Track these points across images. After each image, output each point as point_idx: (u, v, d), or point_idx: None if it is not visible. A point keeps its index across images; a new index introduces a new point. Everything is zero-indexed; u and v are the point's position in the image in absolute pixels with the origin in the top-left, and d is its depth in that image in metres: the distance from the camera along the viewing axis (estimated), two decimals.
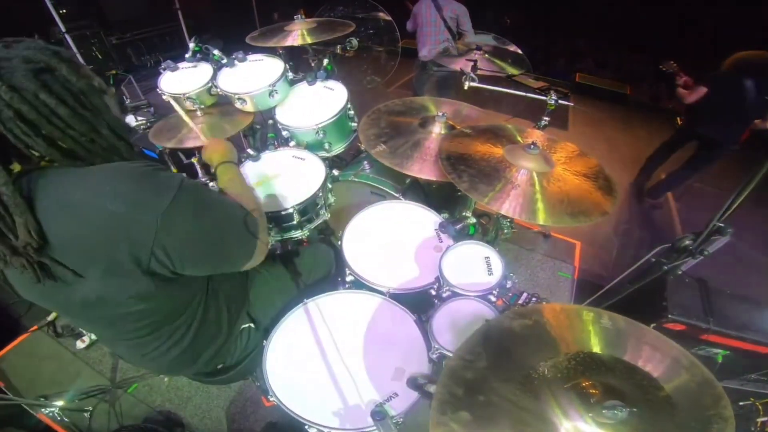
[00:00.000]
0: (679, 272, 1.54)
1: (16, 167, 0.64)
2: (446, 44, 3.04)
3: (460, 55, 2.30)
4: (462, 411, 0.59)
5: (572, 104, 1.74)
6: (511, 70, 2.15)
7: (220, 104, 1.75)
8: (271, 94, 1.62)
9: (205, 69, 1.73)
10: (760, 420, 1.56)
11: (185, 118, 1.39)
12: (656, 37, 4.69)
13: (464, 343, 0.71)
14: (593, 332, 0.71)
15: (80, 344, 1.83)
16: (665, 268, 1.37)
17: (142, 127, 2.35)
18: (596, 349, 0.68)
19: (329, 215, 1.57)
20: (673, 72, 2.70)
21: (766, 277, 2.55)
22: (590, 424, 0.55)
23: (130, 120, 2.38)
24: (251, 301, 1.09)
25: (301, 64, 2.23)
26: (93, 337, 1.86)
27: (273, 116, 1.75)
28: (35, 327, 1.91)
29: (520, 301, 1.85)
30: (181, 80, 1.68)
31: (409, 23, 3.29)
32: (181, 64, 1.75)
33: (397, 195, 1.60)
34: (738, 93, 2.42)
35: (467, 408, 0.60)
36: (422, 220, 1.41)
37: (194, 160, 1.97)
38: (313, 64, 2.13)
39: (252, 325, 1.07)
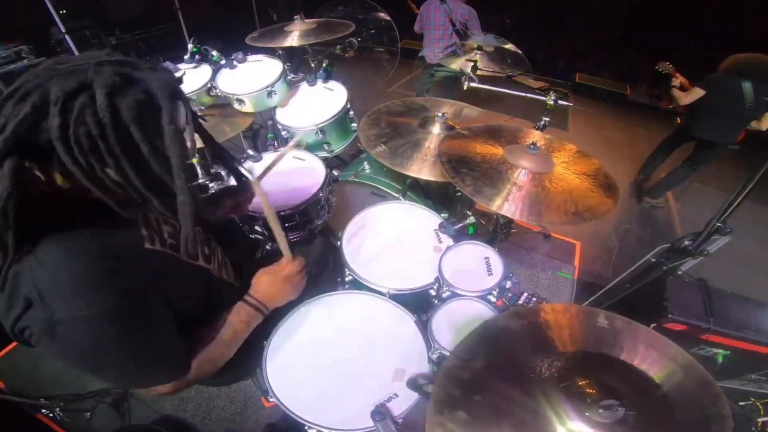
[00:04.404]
0: (680, 272, 1.54)
1: (60, 179, 0.59)
2: (454, 48, 3.03)
3: (464, 55, 2.30)
4: (459, 411, 0.59)
5: (571, 104, 1.74)
6: (511, 71, 2.15)
7: (220, 105, 1.75)
8: (269, 94, 1.62)
9: (204, 70, 1.73)
10: (760, 420, 1.55)
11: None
12: (656, 38, 4.69)
13: (461, 343, 0.71)
14: (590, 332, 0.71)
15: None
16: (665, 268, 1.37)
17: None
18: (593, 348, 0.68)
19: (329, 215, 1.57)
20: (669, 73, 2.70)
21: (767, 277, 2.54)
22: (587, 423, 0.55)
23: None
24: None
25: (301, 64, 2.24)
26: None
27: (273, 117, 1.75)
28: None
29: (520, 302, 1.85)
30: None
31: (416, 24, 3.28)
32: (180, 65, 1.75)
33: (397, 195, 1.60)
34: (736, 95, 2.43)
35: (464, 408, 0.60)
36: (422, 220, 1.41)
37: (195, 160, 1.97)
38: (312, 65, 2.13)
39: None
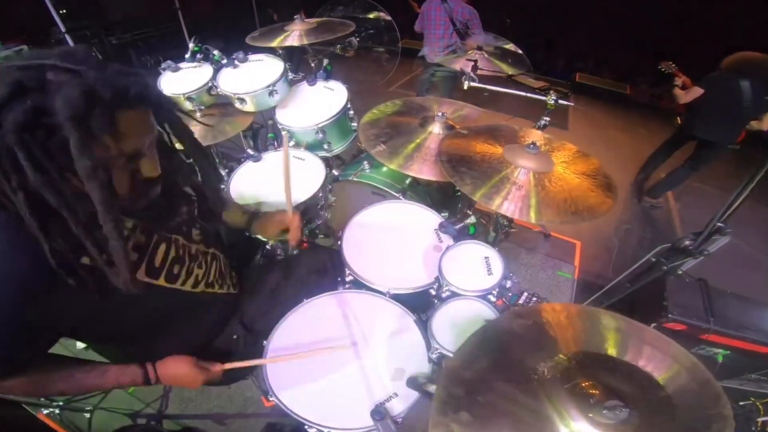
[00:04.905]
0: (680, 272, 1.54)
1: None
2: (454, 47, 3.03)
3: (464, 54, 2.29)
4: (462, 411, 0.59)
5: (572, 104, 1.74)
6: (511, 70, 2.15)
7: (221, 105, 1.75)
8: (271, 93, 1.62)
9: (205, 69, 1.72)
10: (760, 420, 1.55)
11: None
12: (657, 37, 4.69)
13: (464, 344, 0.71)
14: (593, 332, 0.71)
15: (80, 344, 1.83)
16: (665, 268, 1.37)
17: None
18: (596, 349, 0.68)
19: (329, 215, 1.57)
20: (672, 72, 2.70)
21: (767, 277, 2.54)
22: (590, 424, 0.55)
23: None
24: (244, 309, 1.09)
25: (300, 64, 2.23)
26: None
27: (273, 116, 1.75)
28: None
29: (520, 301, 1.85)
30: (181, 80, 1.68)
31: (417, 23, 3.28)
32: (181, 65, 1.75)
33: (397, 195, 1.60)
34: (734, 94, 2.43)
35: (467, 408, 0.60)
36: (422, 219, 1.41)
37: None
38: (312, 64, 2.13)
39: (245, 333, 1.06)
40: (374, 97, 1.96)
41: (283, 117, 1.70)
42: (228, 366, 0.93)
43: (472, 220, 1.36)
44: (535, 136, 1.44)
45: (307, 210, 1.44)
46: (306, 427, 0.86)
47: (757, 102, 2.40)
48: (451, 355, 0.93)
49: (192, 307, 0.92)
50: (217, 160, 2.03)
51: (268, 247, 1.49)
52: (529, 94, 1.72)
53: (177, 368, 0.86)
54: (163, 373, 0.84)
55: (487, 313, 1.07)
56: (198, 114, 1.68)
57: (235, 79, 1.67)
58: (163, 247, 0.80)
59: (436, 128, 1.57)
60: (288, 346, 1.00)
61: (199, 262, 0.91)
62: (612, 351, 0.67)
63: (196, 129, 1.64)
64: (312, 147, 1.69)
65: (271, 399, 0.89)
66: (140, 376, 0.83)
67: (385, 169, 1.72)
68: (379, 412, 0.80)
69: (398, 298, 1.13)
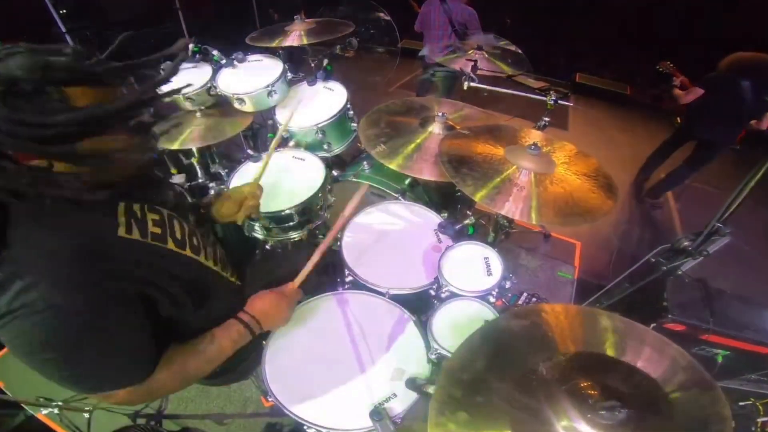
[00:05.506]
0: (679, 272, 1.54)
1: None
2: (453, 47, 3.02)
3: (464, 55, 2.29)
4: (460, 411, 0.59)
5: (572, 104, 1.74)
6: (511, 70, 2.14)
7: (220, 105, 1.75)
8: (269, 94, 1.62)
9: (204, 69, 1.73)
10: (760, 420, 1.55)
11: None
12: (657, 37, 4.69)
13: (462, 344, 0.71)
14: (592, 333, 0.71)
15: None
16: (665, 268, 1.37)
17: None
18: (595, 349, 0.68)
19: (329, 215, 1.57)
20: (670, 72, 2.70)
21: (766, 277, 2.54)
22: (589, 424, 0.55)
23: None
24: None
25: (300, 64, 2.23)
26: None
27: (273, 116, 1.75)
28: None
29: (520, 302, 1.85)
30: (181, 81, 1.68)
31: (417, 23, 3.28)
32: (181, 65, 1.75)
33: (396, 195, 1.60)
34: (734, 94, 2.42)
35: (466, 409, 0.60)
36: (422, 220, 1.41)
37: (194, 160, 1.97)
38: (312, 65, 2.13)
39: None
40: (374, 97, 1.96)
41: (283, 117, 1.70)
42: (299, 281, 1.00)
43: (471, 220, 1.36)
44: (535, 136, 1.44)
45: (306, 210, 1.44)
46: (305, 427, 0.87)
47: (757, 102, 2.40)
48: (450, 355, 0.93)
49: (211, 287, 0.92)
50: (217, 161, 2.04)
51: (267, 247, 1.50)
52: (529, 95, 1.73)
53: (263, 302, 0.91)
54: (257, 314, 0.88)
55: (487, 314, 1.07)
56: (198, 114, 1.68)
57: (234, 80, 1.67)
58: (176, 222, 0.83)
59: (436, 128, 1.57)
60: (287, 347, 1.00)
61: (205, 240, 0.94)
62: (610, 351, 0.68)
63: (197, 129, 1.65)
64: (312, 147, 1.69)
65: (270, 399, 0.90)
66: (242, 327, 0.86)
67: (385, 169, 1.72)
68: (378, 413, 0.80)
69: (398, 299, 1.13)
